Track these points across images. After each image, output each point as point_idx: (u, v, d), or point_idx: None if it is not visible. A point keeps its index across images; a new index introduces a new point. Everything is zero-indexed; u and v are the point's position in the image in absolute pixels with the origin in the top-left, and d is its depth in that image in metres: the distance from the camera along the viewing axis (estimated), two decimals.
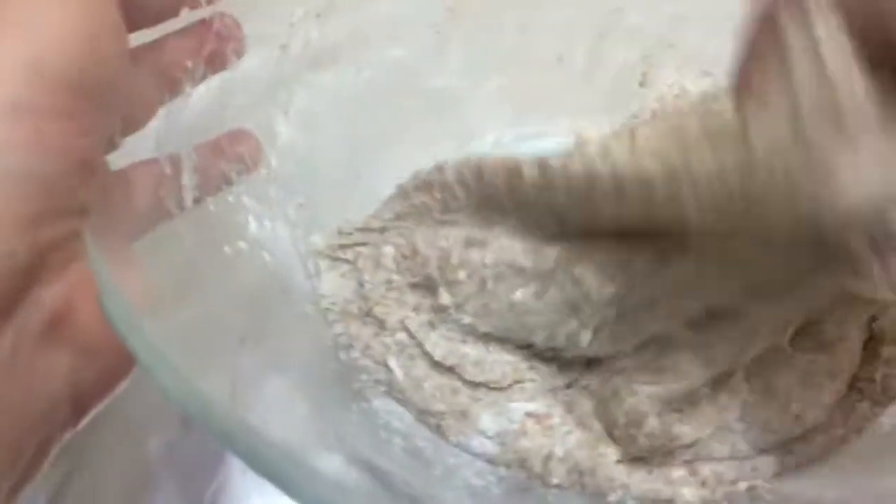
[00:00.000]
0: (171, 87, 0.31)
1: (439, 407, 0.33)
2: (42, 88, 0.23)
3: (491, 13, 0.46)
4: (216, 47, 0.32)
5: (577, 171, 0.32)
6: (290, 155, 0.38)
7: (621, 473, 0.33)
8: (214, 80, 0.33)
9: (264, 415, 0.27)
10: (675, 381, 0.33)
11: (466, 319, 0.35)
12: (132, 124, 0.30)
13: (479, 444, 0.33)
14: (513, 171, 0.33)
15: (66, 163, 0.24)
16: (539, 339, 0.34)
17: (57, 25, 0.23)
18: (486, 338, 0.35)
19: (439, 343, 0.34)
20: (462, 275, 0.34)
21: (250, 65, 0.35)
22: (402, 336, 0.35)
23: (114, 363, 0.26)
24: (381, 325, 0.35)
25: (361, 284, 0.36)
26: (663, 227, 0.31)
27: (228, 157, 0.32)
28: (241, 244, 0.32)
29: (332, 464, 0.27)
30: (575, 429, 0.34)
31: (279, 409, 0.29)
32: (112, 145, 0.29)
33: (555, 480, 0.33)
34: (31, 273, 0.24)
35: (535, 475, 0.33)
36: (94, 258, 0.23)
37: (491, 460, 0.33)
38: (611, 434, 0.34)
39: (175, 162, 0.30)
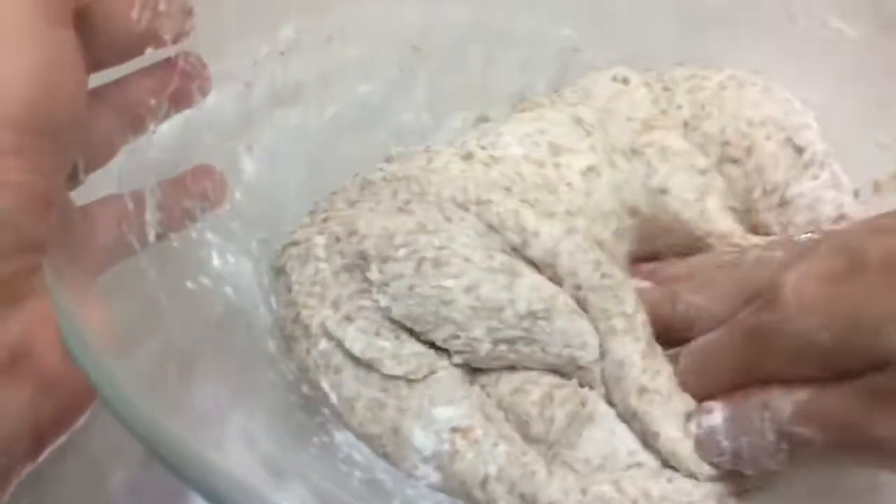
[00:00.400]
0: (135, 124, 0.31)
1: (375, 430, 0.34)
2: None
3: (455, 50, 0.47)
4: (181, 85, 0.33)
5: None
6: (254, 191, 0.38)
7: (559, 496, 0.34)
8: (179, 118, 0.34)
9: (226, 452, 0.27)
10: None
11: (383, 301, 0.35)
12: (95, 161, 0.30)
13: (424, 472, 0.34)
14: None
15: (22, 199, 0.24)
16: (443, 334, 0.35)
17: (14, 66, 0.24)
18: (396, 326, 0.36)
19: (357, 338, 0.35)
20: (401, 253, 0.35)
21: (215, 102, 0.36)
22: (324, 345, 0.35)
23: (73, 397, 0.27)
24: (307, 333, 0.35)
25: (289, 290, 0.36)
26: None
27: (192, 194, 0.33)
28: (204, 280, 0.32)
29: (293, 501, 0.27)
30: (499, 440, 0.34)
31: (241, 447, 0.29)
32: (75, 182, 0.29)
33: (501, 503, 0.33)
34: None
35: (481, 502, 0.33)
36: (55, 292, 0.24)
37: (442, 489, 0.34)
38: (527, 436, 0.35)
39: (138, 198, 0.30)
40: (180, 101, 0.33)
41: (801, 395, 0.30)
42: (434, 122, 0.47)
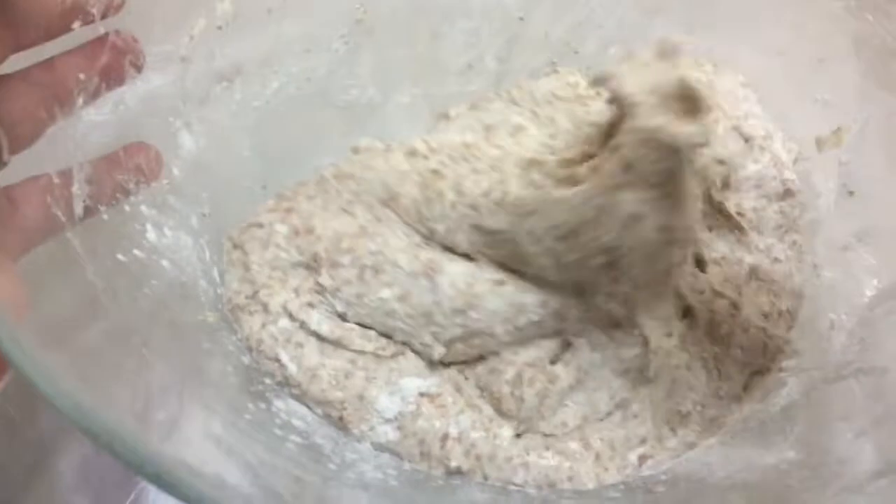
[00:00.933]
0: (63, 104, 0.30)
1: (337, 395, 0.34)
2: None
3: (401, 23, 0.47)
4: (112, 62, 0.32)
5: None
6: (194, 166, 0.38)
7: (520, 451, 0.34)
8: (114, 95, 0.33)
9: (170, 433, 0.27)
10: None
11: (339, 307, 0.36)
12: (19, 142, 0.29)
13: (382, 432, 0.34)
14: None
15: None
16: (399, 339, 0.36)
17: None
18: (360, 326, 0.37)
19: (322, 321, 0.36)
20: (346, 259, 0.36)
21: (150, 79, 0.36)
22: (285, 323, 0.35)
23: None
24: (265, 310, 0.36)
25: (248, 268, 0.37)
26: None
27: (126, 168, 0.33)
28: (137, 252, 0.32)
29: (233, 475, 0.27)
30: (466, 409, 0.35)
31: (186, 426, 0.29)
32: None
33: (453, 463, 0.33)
34: None
35: (435, 458, 0.34)
36: None
37: (394, 449, 0.34)
38: (499, 411, 0.35)
39: (65, 173, 0.30)
40: (112, 78, 0.33)
41: None
42: (382, 96, 0.47)
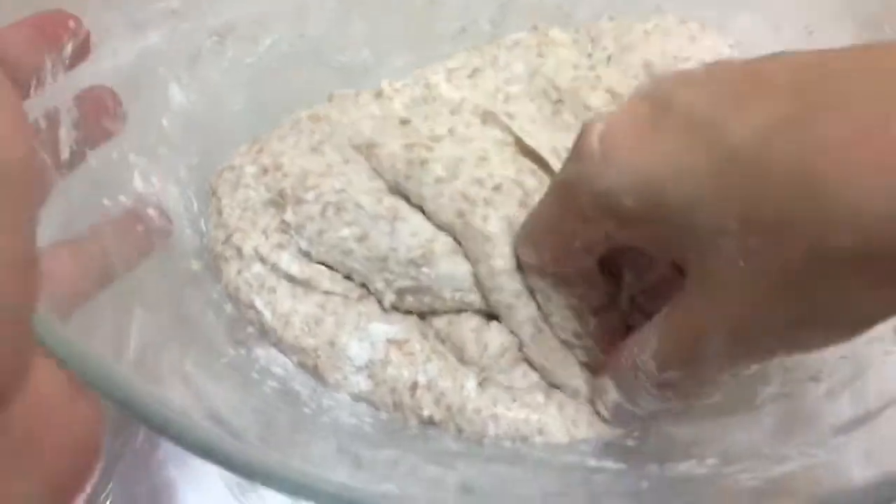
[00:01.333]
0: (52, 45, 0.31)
1: (309, 342, 0.35)
2: None
3: None
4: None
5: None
6: (184, 119, 0.38)
7: (487, 403, 0.35)
8: (106, 49, 0.34)
9: (144, 365, 0.28)
10: None
11: (303, 245, 0.37)
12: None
13: (355, 382, 0.35)
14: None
15: None
16: (358, 281, 0.37)
17: None
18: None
19: (292, 261, 0.36)
20: (310, 196, 0.36)
21: (143, 33, 0.36)
22: (258, 268, 0.36)
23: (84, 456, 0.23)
24: (239, 255, 0.36)
25: (220, 213, 0.37)
26: None
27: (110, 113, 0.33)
28: (122, 198, 0.33)
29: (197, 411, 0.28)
30: (433, 356, 0.35)
31: (163, 364, 0.29)
32: None
33: (426, 412, 0.34)
34: None
35: (407, 407, 0.34)
36: None
37: (369, 398, 0.35)
38: (462, 359, 0.36)
39: (52, 117, 0.30)
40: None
41: (653, 342, 0.29)
42: (375, 59, 0.47)
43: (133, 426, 0.41)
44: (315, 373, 0.35)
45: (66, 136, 0.31)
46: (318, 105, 0.42)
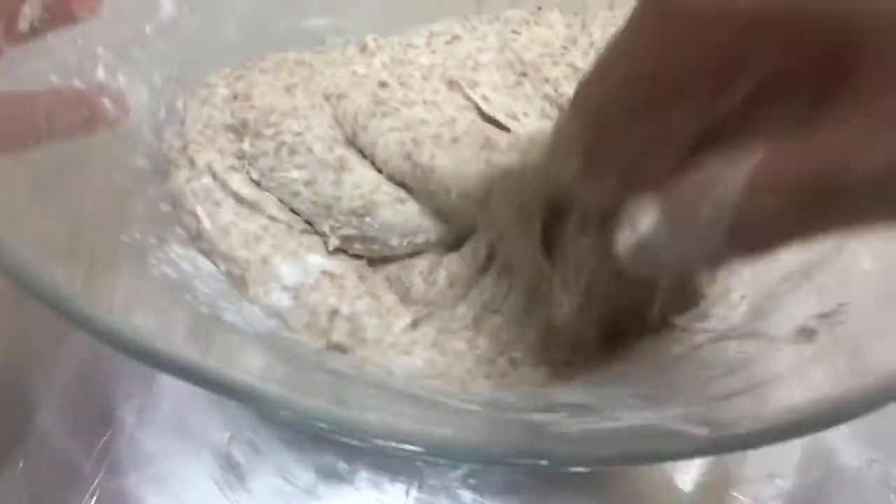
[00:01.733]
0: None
1: (243, 254, 0.36)
2: None
3: None
4: None
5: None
6: (172, 30, 0.40)
7: (407, 341, 0.35)
8: None
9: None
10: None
11: (254, 175, 0.38)
12: None
13: (277, 298, 0.36)
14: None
15: None
16: (303, 220, 0.38)
17: None
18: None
19: (243, 184, 0.38)
20: (269, 132, 0.38)
21: None
22: (207, 181, 0.38)
23: None
24: (191, 165, 0.38)
25: (182, 122, 0.39)
26: None
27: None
28: (76, 81, 0.34)
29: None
30: (366, 296, 0.36)
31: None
32: None
33: (335, 337, 0.35)
34: None
35: (319, 330, 0.35)
36: None
37: (283, 316, 0.36)
38: (406, 298, 0.36)
39: None
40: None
41: (753, 156, 0.21)
42: (382, 20, 0.48)
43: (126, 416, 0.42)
44: (240, 282, 0.36)
45: (29, 7, 0.32)
46: (307, 52, 0.44)
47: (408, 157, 0.37)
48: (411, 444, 0.25)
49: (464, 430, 0.31)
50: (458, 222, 0.37)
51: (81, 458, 0.40)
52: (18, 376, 0.42)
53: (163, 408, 0.41)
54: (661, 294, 0.33)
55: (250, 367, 0.31)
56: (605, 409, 0.31)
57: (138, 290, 0.31)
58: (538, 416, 0.31)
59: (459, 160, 0.36)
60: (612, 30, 0.42)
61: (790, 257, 0.36)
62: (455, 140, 0.37)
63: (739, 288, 0.37)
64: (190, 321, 0.32)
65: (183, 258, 0.35)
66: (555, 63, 0.40)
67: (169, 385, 0.41)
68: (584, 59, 0.40)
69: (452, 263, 0.36)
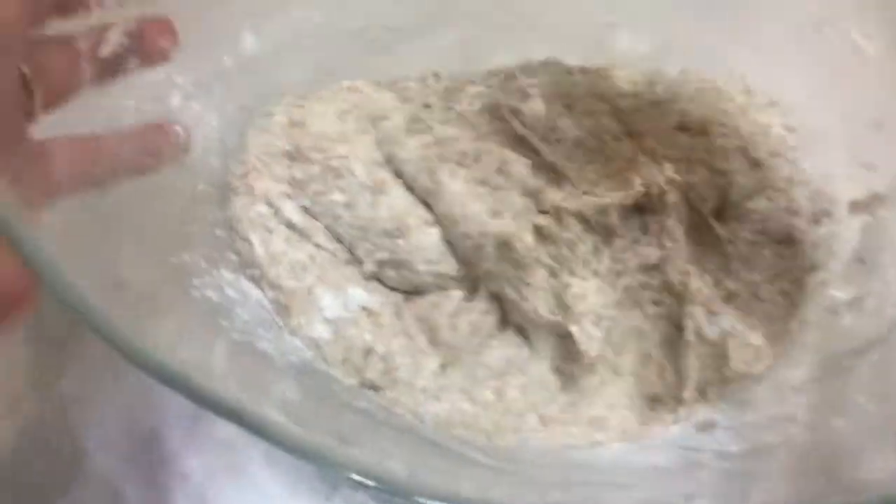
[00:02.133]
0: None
1: (290, 284, 0.37)
2: None
3: None
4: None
5: None
6: (249, 65, 0.42)
7: (438, 386, 0.36)
8: None
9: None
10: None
11: (304, 201, 0.39)
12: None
13: (317, 329, 0.37)
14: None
15: None
16: (346, 246, 0.38)
17: None
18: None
19: (295, 211, 0.39)
20: (318, 157, 0.39)
21: None
22: (263, 208, 0.39)
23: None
24: (250, 192, 0.39)
25: (245, 150, 0.41)
26: None
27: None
28: (149, 106, 0.36)
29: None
30: (401, 335, 0.36)
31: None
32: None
33: (369, 375, 0.36)
34: None
35: (353, 366, 0.36)
36: None
37: (321, 347, 0.36)
38: (434, 340, 0.37)
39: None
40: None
41: None
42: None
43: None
44: (285, 312, 0.37)
45: (113, 38, 0.34)
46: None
47: (431, 173, 0.37)
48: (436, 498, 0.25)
49: (488, 487, 0.31)
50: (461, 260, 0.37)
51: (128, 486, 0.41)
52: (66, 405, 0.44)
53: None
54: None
55: (281, 400, 0.31)
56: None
57: (174, 311, 0.32)
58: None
59: (473, 183, 0.36)
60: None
61: None
62: (476, 160, 0.38)
63: None
64: (225, 348, 0.33)
65: (230, 284, 0.36)
66: None
67: None
68: None
69: (473, 312, 0.37)
